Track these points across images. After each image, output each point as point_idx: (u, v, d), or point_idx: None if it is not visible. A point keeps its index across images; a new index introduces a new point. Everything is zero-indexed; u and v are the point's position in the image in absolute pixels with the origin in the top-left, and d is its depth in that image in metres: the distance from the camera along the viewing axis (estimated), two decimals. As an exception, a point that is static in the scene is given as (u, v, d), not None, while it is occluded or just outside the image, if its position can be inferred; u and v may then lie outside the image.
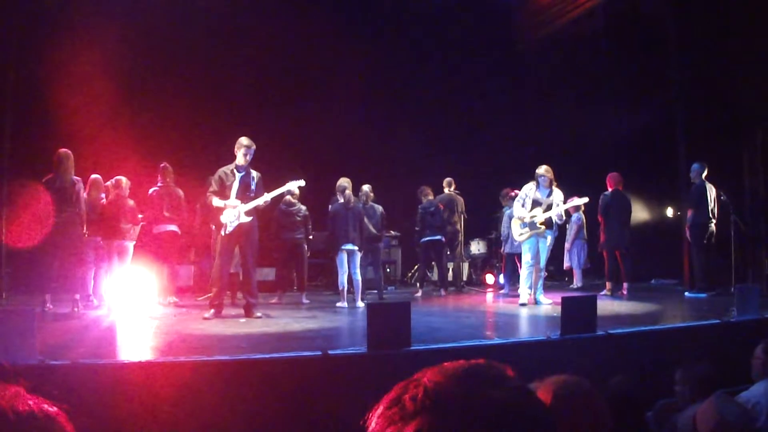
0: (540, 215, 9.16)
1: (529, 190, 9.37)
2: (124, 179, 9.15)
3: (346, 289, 9.44)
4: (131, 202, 9.13)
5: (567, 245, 12.21)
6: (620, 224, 10.52)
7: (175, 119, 11.45)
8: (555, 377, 2.09)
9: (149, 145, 10.33)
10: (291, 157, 11.54)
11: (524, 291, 9.18)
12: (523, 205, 9.36)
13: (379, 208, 10.60)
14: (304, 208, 10.19)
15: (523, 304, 9.01)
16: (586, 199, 9.64)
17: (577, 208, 11.51)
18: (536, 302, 9.24)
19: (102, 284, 9.24)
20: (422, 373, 1.11)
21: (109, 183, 9.28)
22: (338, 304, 9.30)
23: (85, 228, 8.56)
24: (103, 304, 8.91)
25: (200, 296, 10.15)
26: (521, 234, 9.33)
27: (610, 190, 10.60)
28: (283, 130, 12.13)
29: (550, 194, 9.28)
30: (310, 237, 10.44)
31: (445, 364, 1.11)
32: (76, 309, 8.15)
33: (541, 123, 14.28)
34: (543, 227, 9.18)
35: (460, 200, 12.06)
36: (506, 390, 1.07)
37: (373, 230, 10.39)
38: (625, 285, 10.49)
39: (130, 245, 9.09)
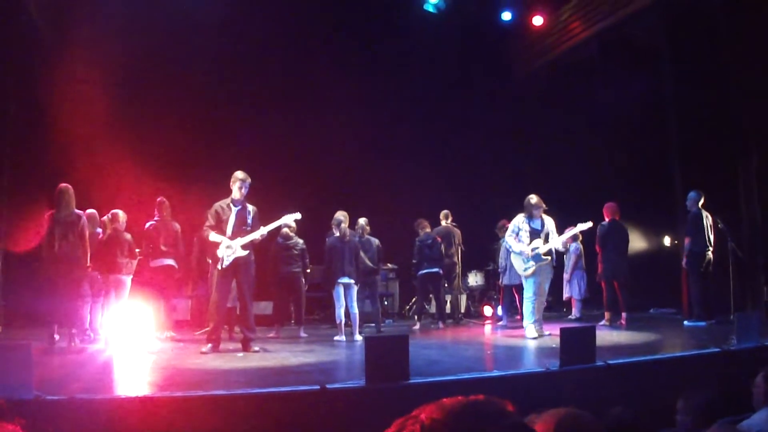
0: (542, 246, 9.06)
1: (521, 222, 9.25)
2: (120, 213, 9.19)
3: (343, 322, 9.40)
4: (128, 236, 9.14)
5: (566, 276, 12.20)
6: (618, 254, 10.56)
7: (173, 151, 11.48)
8: (555, 410, 2.07)
9: (145, 178, 10.33)
10: (287, 191, 11.56)
11: (530, 326, 9.05)
12: (517, 239, 9.23)
13: (375, 241, 10.63)
14: (301, 241, 10.23)
15: (533, 338, 8.89)
16: (589, 224, 9.50)
17: (575, 237, 11.53)
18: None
19: (98, 318, 9.20)
20: (421, 409, 1.10)
21: (105, 217, 9.31)
22: (336, 338, 9.26)
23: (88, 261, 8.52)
24: (100, 339, 8.86)
25: (197, 330, 10.10)
26: (527, 269, 9.12)
27: (607, 220, 10.66)
28: (280, 163, 12.17)
29: (542, 224, 9.27)
30: (308, 270, 10.45)
31: (444, 400, 1.11)
32: (73, 343, 8.11)
33: (537, 154, 14.36)
34: (549, 257, 9.13)
35: (457, 232, 12.06)
36: (505, 427, 1.06)
37: (370, 263, 10.39)
38: (623, 315, 10.48)
39: (128, 279, 9.07)
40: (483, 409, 1.10)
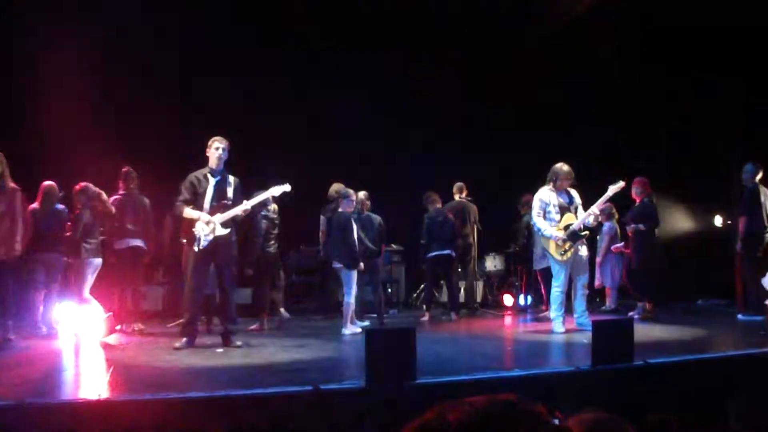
0: (576, 222, 8.94)
1: (547, 196, 9.11)
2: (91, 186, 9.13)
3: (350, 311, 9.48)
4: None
5: (598, 259, 12.17)
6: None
7: (140, 112, 11.50)
8: (585, 414, 2.08)
9: (108, 143, 10.30)
10: (275, 159, 11.56)
11: (558, 318, 9.02)
12: (545, 217, 9.10)
13: (377, 218, 10.63)
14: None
15: (562, 332, 8.84)
16: (621, 184, 9.21)
17: (610, 215, 11.50)
18: (580, 325, 9.06)
19: (53, 309, 9.23)
20: (441, 408, 1.10)
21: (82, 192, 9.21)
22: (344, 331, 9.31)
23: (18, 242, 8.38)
24: (55, 333, 8.90)
25: (170, 322, 10.13)
26: (565, 251, 8.94)
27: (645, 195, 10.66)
28: (266, 127, 12.17)
29: (571, 197, 9.21)
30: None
31: (470, 398, 1.11)
32: (9, 338, 8.10)
33: (564, 119, 14.30)
34: (586, 232, 9.02)
35: (473, 208, 12.05)
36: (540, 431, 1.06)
37: (370, 244, 10.41)
38: (648, 305, 10.58)
39: (93, 263, 9.04)
40: (515, 411, 1.11)
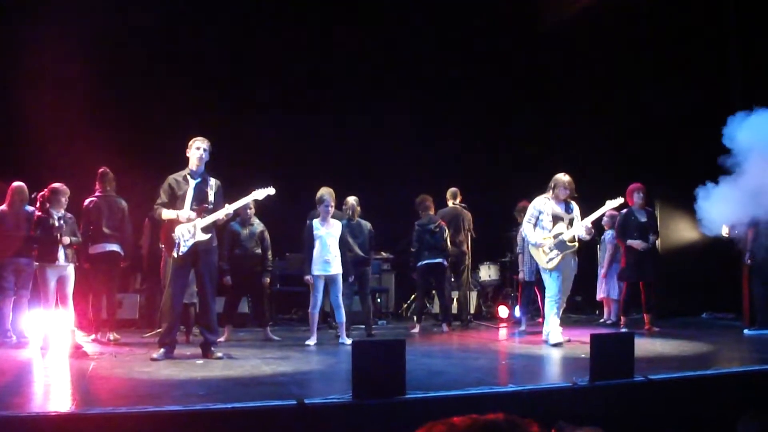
0: (567, 232, 9.07)
1: (542, 204, 9.23)
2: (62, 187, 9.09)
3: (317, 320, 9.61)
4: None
5: (602, 271, 12.21)
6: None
7: (119, 112, 11.50)
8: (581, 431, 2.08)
9: (85, 144, 10.29)
10: (259, 161, 11.56)
11: (555, 328, 9.08)
12: (536, 225, 9.22)
13: (367, 224, 10.63)
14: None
15: (557, 344, 8.91)
16: (620, 200, 9.42)
17: (614, 223, 11.54)
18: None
19: (24, 316, 9.18)
20: (428, 428, 1.09)
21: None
22: (307, 342, 9.39)
23: None
24: (25, 342, 8.86)
25: (147, 332, 10.11)
26: (551, 259, 9.08)
27: (630, 204, 10.73)
28: (251, 129, 12.20)
29: (569, 208, 9.29)
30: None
31: (455, 419, 1.10)
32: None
33: (563, 122, 14.34)
34: (575, 244, 9.13)
35: (468, 215, 12.06)
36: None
37: (360, 252, 10.40)
38: (646, 318, 10.73)
39: (70, 270, 9.01)
40: (504, 429, 1.10)
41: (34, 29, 10.77)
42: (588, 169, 11.53)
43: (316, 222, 9.60)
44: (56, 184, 9.01)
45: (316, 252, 9.48)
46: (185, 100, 11.95)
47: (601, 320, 12.27)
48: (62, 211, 8.98)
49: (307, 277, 9.54)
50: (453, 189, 12.16)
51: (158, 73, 12.31)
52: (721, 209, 9.59)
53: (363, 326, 10.56)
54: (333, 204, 9.70)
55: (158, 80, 12.24)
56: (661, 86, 12.73)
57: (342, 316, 9.57)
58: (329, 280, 9.53)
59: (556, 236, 9.06)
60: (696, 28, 12.43)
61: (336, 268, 9.52)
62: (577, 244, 9.15)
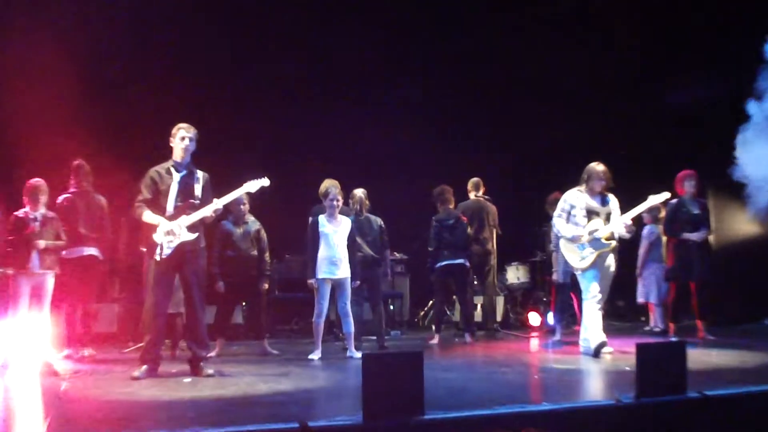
0: (603, 228, 9.04)
1: (574, 198, 9.26)
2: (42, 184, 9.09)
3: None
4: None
5: (638, 270, 12.16)
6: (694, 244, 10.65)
7: (95, 99, 11.56)
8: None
9: (58, 134, 10.33)
10: (253, 151, 11.58)
11: (595, 336, 9.01)
12: (568, 220, 9.25)
13: (377, 220, 10.60)
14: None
15: (597, 354, 8.87)
16: (666, 195, 9.37)
17: (654, 217, 11.49)
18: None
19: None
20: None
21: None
22: (310, 356, 9.38)
23: None
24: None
25: (127, 347, 10.10)
26: (584, 258, 9.11)
27: (680, 194, 10.67)
28: (244, 115, 12.25)
29: (605, 201, 9.26)
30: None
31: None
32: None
33: (603, 104, 14.31)
34: (612, 242, 9.08)
35: (492, 209, 12.03)
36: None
37: (370, 251, 10.39)
38: (699, 325, 10.68)
39: (49, 278, 9.02)
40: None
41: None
42: (629, 157, 11.48)
43: (322, 218, 9.57)
44: (33, 180, 9.02)
45: (321, 252, 9.45)
46: (169, 86, 12.00)
47: (647, 328, 12.23)
48: (42, 211, 8.99)
49: (311, 281, 9.51)
50: (475, 179, 12.12)
51: (142, 59, 12.38)
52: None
53: (374, 337, 10.53)
54: (341, 198, 9.67)
55: (141, 66, 12.31)
56: (715, 67, 12.71)
57: (351, 325, 9.54)
58: (337, 285, 9.51)
59: (590, 233, 9.04)
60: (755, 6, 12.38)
61: (344, 271, 9.50)
62: (615, 242, 9.11)
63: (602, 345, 8.87)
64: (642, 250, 12.00)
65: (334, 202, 9.54)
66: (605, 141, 12.48)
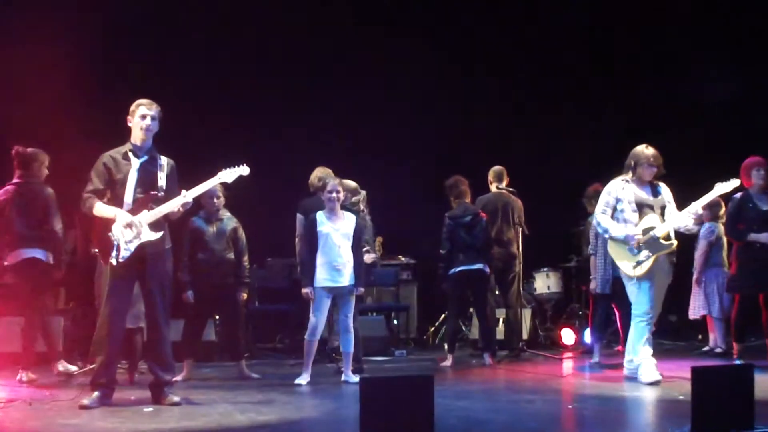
0: (660, 225, 8.88)
1: (619, 189, 9.11)
2: None
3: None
4: None
5: (695, 278, 12.07)
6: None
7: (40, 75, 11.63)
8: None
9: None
10: (231, 134, 11.61)
11: (647, 360, 8.91)
12: (613, 217, 9.11)
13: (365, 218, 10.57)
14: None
15: (653, 382, 8.75)
16: (735, 182, 9.17)
17: (714, 214, 11.42)
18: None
19: None
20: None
21: None
22: (298, 380, 9.35)
23: None
24: None
25: (75, 368, 10.08)
26: (639, 264, 8.85)
27: (746, 186, 10.61)
28: (219, 94, 12.33)
29: (657, 192, 9.16)
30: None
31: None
32: None
33: (639, 80, 14.34)
34: (672, 242, 8.93)
35: (518, 204, 12.02)
36: None
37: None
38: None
39: None
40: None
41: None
42: (686, 142, 11.46)
43: (321, 215, 9.51)
44: None
45: (320, 256, 9.41)
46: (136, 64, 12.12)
47: (706, 348, 12.18)
48: None
49: (307, 290, 9.43)
50: (497, 168, 12.08)
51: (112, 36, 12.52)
52: None
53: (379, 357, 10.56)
54: (342, 190, 9.59)
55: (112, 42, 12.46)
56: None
57: (351, 344, 9.51)
58: (339, 295, 9.49)
59: (645, 232, 8.88)
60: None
61: (348, 278, 9.46)
62: (674, 242, 8.97)
63: (656, 384, 8.72)
64: (699, 253, 11.87)
65: (334, 195, 9.48)
66: (655, 123, 12.46)
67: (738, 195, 10.54)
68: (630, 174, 9.11)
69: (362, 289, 9.92)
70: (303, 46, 13.60)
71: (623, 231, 8.94)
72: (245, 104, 13.07)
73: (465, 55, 14.29)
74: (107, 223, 7.65)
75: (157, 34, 12.90)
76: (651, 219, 8.94)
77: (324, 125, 13.25)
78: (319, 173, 9.94)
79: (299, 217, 10.40)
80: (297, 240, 10.54)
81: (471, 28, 14.32)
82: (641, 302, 8.95)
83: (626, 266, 9.00)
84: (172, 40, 12.98)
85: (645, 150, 9.06)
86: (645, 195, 9.08)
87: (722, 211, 11.50)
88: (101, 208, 7.69)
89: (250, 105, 13.08)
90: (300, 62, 13.60)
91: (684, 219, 8.91)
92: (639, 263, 8.85)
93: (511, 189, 12.03)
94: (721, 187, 9.08)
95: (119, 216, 7.61)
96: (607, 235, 9.23)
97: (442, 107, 13.58)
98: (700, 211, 8.99)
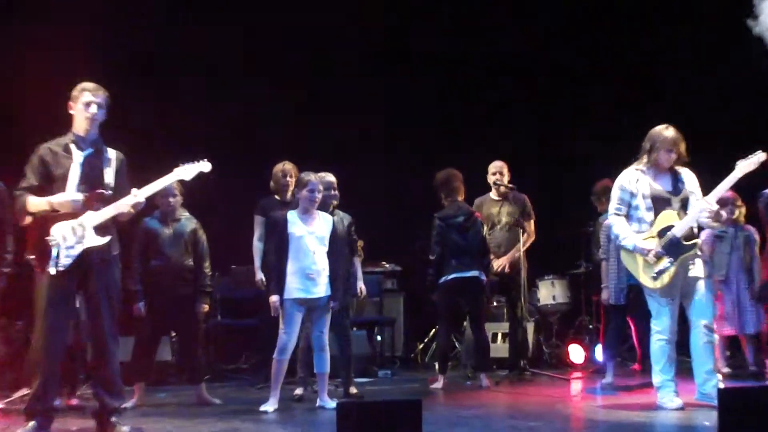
0: (680, 223, 8.60)
1: (632, 182, 8.82)
2: None
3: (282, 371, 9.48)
4: None
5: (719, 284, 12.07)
6: None
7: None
8: None
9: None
10: (190, 128, 11.63)
11: (667, 385, 8.77)
12: (629, 216, 8.88)
13: (347, 217, 10.58)
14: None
15: (675, 408, 8.63)
16: (762, 156, 8.59)
17: (734, 219, 11.39)
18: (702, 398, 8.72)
19: None
20: None
21: None
22: (263, 407, 9.32)
23: None
24: None
25: (9, 395, 10.04)
26: (658, 275, 8.56)
27: None
28: (179, 86, 12.37)
29: (679, 182, 8.87)
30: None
31: None
32: None
33: (652, 65, 14.42)
34: (696, 242, 8.66)
35: (521, 198, 12.00)
36: None
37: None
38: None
39: None
40: None
41: None
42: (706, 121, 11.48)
43: (293, 215, 9.47)
44: None
45: (292, 264, 9.37)
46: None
47: (737, 371, 12.16)
48: None
49: (274, 299, 9.38)
50: (497, 163, 12.08)
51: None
52: None
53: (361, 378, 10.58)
54: (321, 188, 9.53)
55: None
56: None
57: (326, 364, 9.50)
58: (313, 307, 9.47)
59: (662, 233, 8.68)
60: None
61: (323, 289, 9.42)
62: (697, 242, 8.72)
63: (678, 410, 8.57)
64: (738, 254, 11.83)
65: (316, 195, 9.41)
66: (677, 106, 12.49)
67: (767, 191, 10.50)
68: (645, 158, 8.82)
69: (336, 303, 9.72)
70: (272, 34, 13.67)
71: (632, 241, 8.69)
72: (207, 92, 13.08)
73: (461, 54, 14.35)
74: (45, 225, 7.58)
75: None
76: (667, 217, 8.64)
77: (295, 115, 13.25)
78: (286, 168, 9.89)
79: (257, 218, 10.39)
80: (255, 244, 10.57)
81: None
82: (661, 318, 8.70)
83: (644, 278, 8.71)
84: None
85: (664, 131, 8.73)
86: (662, 188, 8.76)
87: (742, 213, 11.41)
88: (35, 203, 7.57)
89: (212, 93, 13.08)
90: (272, 52, 13.58)
91: (699, 214, 8.57)
92: (659, 273, 8.56)
93: (511, 185, 12.00)
94: (745, 165, 8.59)
95: (62, 201, 7.50)
96: (618, 242, 9.05)
97: (431, 95, 13.66)
98: (714, 204, 8.46)
